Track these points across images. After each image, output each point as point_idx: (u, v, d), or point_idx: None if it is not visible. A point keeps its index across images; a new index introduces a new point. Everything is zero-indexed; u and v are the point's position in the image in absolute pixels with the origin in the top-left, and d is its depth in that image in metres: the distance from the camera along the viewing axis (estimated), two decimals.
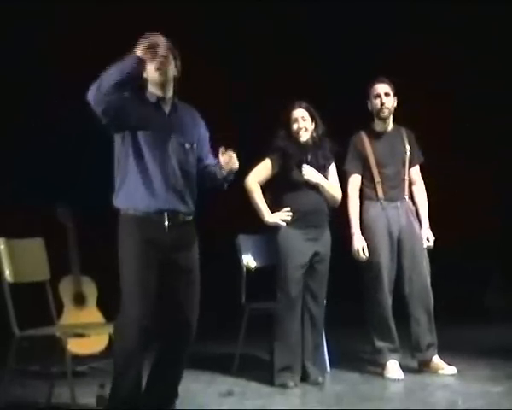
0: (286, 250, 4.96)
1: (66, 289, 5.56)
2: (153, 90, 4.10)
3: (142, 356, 3.88)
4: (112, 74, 3.88)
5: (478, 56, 7.45)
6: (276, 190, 5.08)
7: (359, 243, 5.06)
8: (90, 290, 5.66)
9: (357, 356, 5.67)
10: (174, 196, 4.02)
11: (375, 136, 5.24)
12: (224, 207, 6.85)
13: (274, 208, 5.04)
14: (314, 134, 5.10)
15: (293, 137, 5.08)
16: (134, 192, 3.96)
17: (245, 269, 5.32)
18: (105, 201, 4.02)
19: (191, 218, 4.12)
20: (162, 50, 4.03)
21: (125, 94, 3.97)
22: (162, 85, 4.10)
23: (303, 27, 7.59)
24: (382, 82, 5.23)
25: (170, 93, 4.14)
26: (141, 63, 3.95)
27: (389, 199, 5.16)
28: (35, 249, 4.51)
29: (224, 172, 4.13)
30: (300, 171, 5.01)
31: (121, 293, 3.83)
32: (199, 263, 4.08)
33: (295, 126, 5.08)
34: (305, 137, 5.06)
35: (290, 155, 5.03)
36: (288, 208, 4.99)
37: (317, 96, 5.12)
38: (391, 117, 5.25)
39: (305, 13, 7.52)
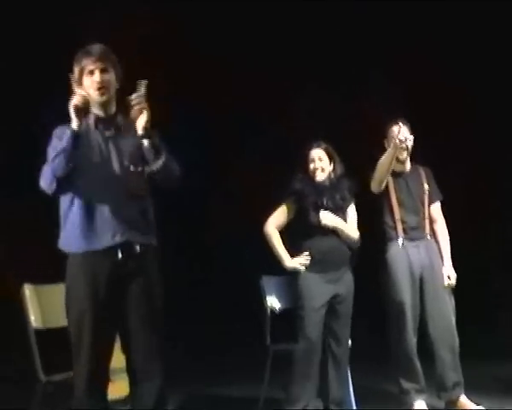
0: (304, 293, 4.92)
1: None
2: (93, 108, 3.74)
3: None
4: (58, 162, 3.63)
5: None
6: (294, 234, 5.05)
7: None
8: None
9: (384, 394, 5.55)
10: (126, 227, 3.62)
11: (394, 176, 5.20)
12: (247, 248, 6.72)
13: (293, 253, 5.00)
14: (332, 175, 5.03)
15: (309, 178, 5.02)
16: (77, 231, 3.62)
17: (269, 310, 5.21)
18: None
19: (151, 246, 3.72)
20: (101, 74, 3.70)
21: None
22: (103, 105, 3.76)
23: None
24: (400, 122, 5.10)
25: (112, 110, 3.81)
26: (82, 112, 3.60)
27: (410, 238, 5.13)
28: (60, 295, 4.41)
29: (146, 145, 3.65)
30: (317, 214, 4.94)
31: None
32: (162, 300, 3.70)
33: (311, 167, 5.02)
34: (321, 177, 5.00)
35: (306, 198, 4.97)
36: (307, 252, 4.94)
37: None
38: (408, 157, 5.23)
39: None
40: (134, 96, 3.68)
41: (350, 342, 5.04)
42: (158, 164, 3.65)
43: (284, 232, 5.08)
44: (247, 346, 6.11)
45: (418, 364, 5.04)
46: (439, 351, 5.04)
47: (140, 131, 3.64)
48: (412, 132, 5.15)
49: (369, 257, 5.03)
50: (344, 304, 4.95)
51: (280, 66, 7.30)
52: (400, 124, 5.07)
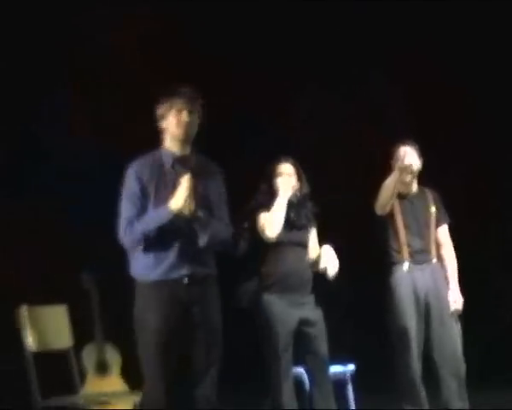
0: (265, 321, 4.56)
1: (89, 356, 5.40)
2: (170, 145, 3.98)
3: None
4: (145, 228, 3.85)
5: None
6: (253, 251, 4.71)
7: None
8: (114, 358, 5.52)
9: None
10: (192, 261, 3.88)
11: (399, 198, 5.06)
12: None
13: (251, 272, 4.70)
14: (298, 193, 4.77)
15: (274, 192, 4.73)
16: (151, 261, 3.89)
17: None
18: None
19: (212, 276, 3.97)
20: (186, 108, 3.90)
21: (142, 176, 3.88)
22: (182, 142, 3.98)
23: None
24: (407, 144, 5.00)
25: (188, 150, 4.00)
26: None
27: (415, 262, 5.02)
28: (58, 317, 4.57)
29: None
30: (283, 231, 4.62)
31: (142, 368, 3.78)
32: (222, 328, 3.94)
33: (278, 181, 4.74)
34: (289, 194, 4.73)
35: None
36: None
37: None
38: (415, 179, 5.10)
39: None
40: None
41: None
42: (203, 241, 3.90)
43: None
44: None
45: (422, 389, 4.95)
46: (445, 378, 4.94)
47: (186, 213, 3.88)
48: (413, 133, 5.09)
49: (372, 281, 5.05)
50: (315, 328, 4.63)
51: (280, 66, 7.29)
52: (406, 148, 4.96)
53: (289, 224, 4.68)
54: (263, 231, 4.61)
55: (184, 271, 3.86)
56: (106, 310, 5.52)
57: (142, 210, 3.89)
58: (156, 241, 3.87)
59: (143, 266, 3.89)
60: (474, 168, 7.60)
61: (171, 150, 3.97)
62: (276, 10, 7.21)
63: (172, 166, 3.94)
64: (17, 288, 6.02)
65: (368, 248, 5.32)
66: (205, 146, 3.97)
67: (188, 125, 3.95)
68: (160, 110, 3.99)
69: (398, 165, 4.90)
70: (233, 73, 7.20)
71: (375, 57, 7.20)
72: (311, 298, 4.67)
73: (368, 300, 5.01)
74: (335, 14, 7.26)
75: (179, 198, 3.83)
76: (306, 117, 7.33)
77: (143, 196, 3.91)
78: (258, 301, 4.60)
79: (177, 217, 3.84)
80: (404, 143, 5.03)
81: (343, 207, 6.90)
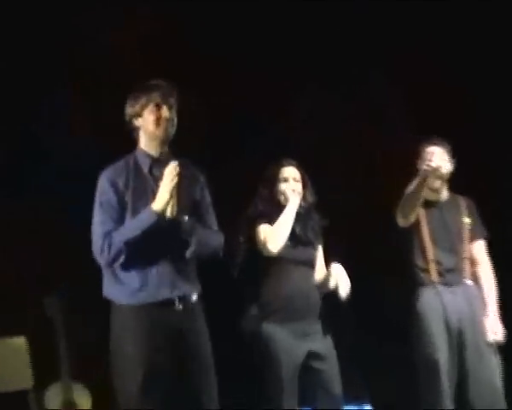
0: (266, 355, 3.93)
1: (53, 398, 4.62)
2: (146, 146, 3.57)
3: None
4: (125, 238, 3.42)
5: None
6: (248, 270, 4.14)
7: None
8: (83, 400, 4.77)
9: None
10: (181, 278, 3.48)
11: (427, 206, 4.47)
12: None
13: (246, 294, 4.13)
14: (303, 202, 4.17)
15: (276, 200, 4.17)
16: (134, 283, 3.44)
17: None
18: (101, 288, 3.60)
19: (200, 298, 3.59)
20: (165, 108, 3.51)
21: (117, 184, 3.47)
22: (161, 142, 3.58)
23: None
24: (436, 144, 4.52)
25: (165, 150, 3.60)
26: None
27: (445, 283, 4.38)
28: (16, 351, 4.01)
29: None
30: (286, 247, 3.99)
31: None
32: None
33: (282, 187, 4.18)
34: None
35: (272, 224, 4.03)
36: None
37: None
38: (445, 184, 4.58)
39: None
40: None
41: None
42: (190, 251, 3.50)
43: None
44: None
45: None
46: None
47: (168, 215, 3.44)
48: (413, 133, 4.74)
49: (395, 305, 4.50)
50: (326, 362, 4.00)
51: (280, 66, 7.27)
52: (434, 148, 4.46)
53: (294, 239, 4.09)
54: (264, 244, 3.99)
55: (174, 291, 3.45)
56: (76, 341, 4.80)
57: (119, 222, 3.45)
58: (137, 255, 3.41)
59: (122, 286, 3.45)
60: (474, 168, 7.59)
61: (147, 152, 3.57)
62: (276, 10, 7.20)
63: (150, 171, 3.56)
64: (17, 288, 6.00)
65: (368, 249, 5.22)
66: (205, 146, 3.97)
67: (168, 123, 3.56)
68: (134, 107, 3.59)
69: (423, 167, 4.35)
70: (233, 73, 7.20)
71: (375, 57, 7.19)
72: (319, 326, 4.04)
73: (387, 328, 4.49)
74: (335, 14, 7.25)
75: (162, 196, 3.39)
76: (306, 117, 7.31)
77: (120, 206, 3.49)
78: (256, 332, 3.96)
79: (161, 223, 3.38)
80: (431, 142, 4.54)
81: (343, 207, 6.89)
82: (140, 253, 3.42)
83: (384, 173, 5.05)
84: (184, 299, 3.47)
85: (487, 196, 7.95)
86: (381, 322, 4.54)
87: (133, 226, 3.43)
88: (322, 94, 7.24)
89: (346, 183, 7.18)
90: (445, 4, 7.12)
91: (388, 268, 5.12)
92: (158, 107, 3.57)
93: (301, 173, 4.29)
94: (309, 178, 4.29)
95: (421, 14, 7.28)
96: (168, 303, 3.42)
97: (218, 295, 4.44)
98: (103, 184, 3.55)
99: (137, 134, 3.63)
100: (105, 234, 3.46)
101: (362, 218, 5.48)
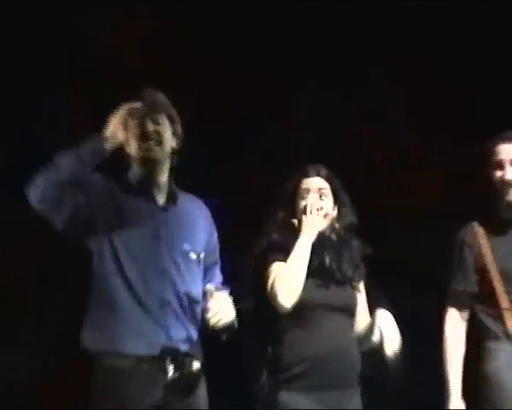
0: None
1: None
2: (137, 169, 2.98)
3: None
4: (64, 164, 2.91)
5: None
6: (263, 322, 3.12)
7: None
8: None
9: None
10: (176, 332, 2.81)
11: (500, 230, 3.33)
12: None
13: (257, 357, 3.12)
14: (336, 223, 3.26)
15: (295, 225, 3.13)
16: (118, 328, 2.78)
17: None
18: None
19: (200, 362, 2.89)
20: (149, 122, 2.88)
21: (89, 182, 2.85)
22: (148, 165, 2.94)
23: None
24: (509, 141, 3.47)
25: (164, 176, 3.01)
26: (111, 144, 2.84)
27: None
28: None
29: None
30: (313, 288, 3.00)
31: None
32: None
33: (303, 204, 3.21)
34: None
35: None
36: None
37: None
38: None
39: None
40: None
41: None
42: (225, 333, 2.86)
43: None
44: None
45: None
46: None
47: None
48: (412, 133, 4.21)
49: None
50: None
51: (280, 66, 7.27)
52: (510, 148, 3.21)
53: (324, 276, 3.10)
54: (274, 297, 3.00)
55: (168, 344, 2.77)
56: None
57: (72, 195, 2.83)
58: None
59: (103, 332, 2.80)
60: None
61: (136, 172, 2.98)
62: (276, 10, 7.21)
63: (144, 187, 2.95)
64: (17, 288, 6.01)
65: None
66: (205, 146, 3.92)
67: (154, 139, 2.92)
68: (115, 122, 2.95)
69: (496, 178, 3.31)
70: (233, 73, 7.20)
71: (375, 57, 7.19)
72: (357, 396, 3.06)
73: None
74: (335, 14, 7.25)
75: (115, 123, 2.85)
76: (306, 117, 7.32)
77: (87, 195, 2.88)
78: (273, 404, 3.00)
79: (100, 152, 2.74)
80: (505, 138, 3.46)
81: None
82: (129, 286, 2.80)
83: (384, 173, 5.04)
84: (177, 359, 2.81)
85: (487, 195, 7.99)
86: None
87: (75, 154, 2.86)
88: (323, 94, 7.25)
89: (346, 183, 7.19)
90: (445, 4, 7.13)
91: (388, 268, 5.12)
92: (140, 122, 2.96)
93: (332, 185, 3.42)
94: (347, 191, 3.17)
95: (421, 14, 7.29)
96: (160, 359, 2.78)
97: (223, 355, 3.69)
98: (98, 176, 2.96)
99: (128, 164, 2.99)
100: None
101: (362, 218, 5.47)
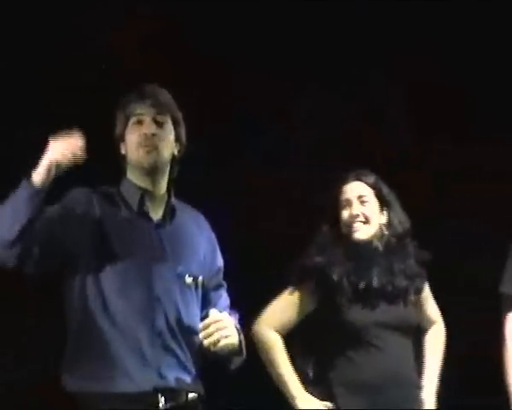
0: None
1: None
2: (133, 178, 2.66)
3: None
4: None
5: None
6: (309, 346, 2.87)
7: None
8: None
9: None
10: (169, 365, 2.56)
11: None
12: None
13: (307, 381, 2.86)
14: (386, 231, 2.99)
15: (343, 236, 2.94)
16: (105, 363, 2.51)
17: None
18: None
19: (197, 394, 2.66)
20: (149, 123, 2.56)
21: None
22: (150, 173, 2.65)
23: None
24: None
25: (162, 187, 2.72)
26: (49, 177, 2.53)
27: None
28: None
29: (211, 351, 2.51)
30: (362, 307, 2.74)
31: None
32: None
33: (345, 215, 2.98)
34: (363, 234, 2.93)
35: (335, 277, 2.78)
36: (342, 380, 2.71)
37: None
38: None
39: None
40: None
41: None
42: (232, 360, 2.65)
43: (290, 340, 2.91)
44: None
45: None
46: None
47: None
48: (412, 133, 4.30)
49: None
50: None
51: (280, 66, 7.28)
52: None
53: (372, 293, 2.82)
54: (255, 321, 2.98)
55: (164, 381, 2.52)
56: None
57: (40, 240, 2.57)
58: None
59: (90, 368, 2.54)
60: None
61: (139, 185, 2.67)
62: (277, 10, 7.21)
63: (140, 209, 2.66)
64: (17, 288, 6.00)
65: None
66: (205, 146, 3.90)
67: (152, 140, 2.62)
68: (116, 129, 2.75)
69: None
70: (233, 73, 7.20)
71: (375, 57, 7.20)
72: None
73: None
74: (335, 14, 7.26)
75: (44, 164, 2.55)
76: (306, 117, 7.33)
77: (64, 229, 2.60)
78: None
79: (34, 196, 2.46)
80: None
81: None
82: (118, 317, 2.53)
83: (384, 173, 5.05)
84: (171, 393, 2.56)
85: None
86: None
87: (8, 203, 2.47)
88: (323, 94, 7.25)
89: None
90: (445, 4, 7.14)
91: None
92: (140, 122, 2.70)
93: (375, 189, 3.13)
94: (394, 192, 3.02)
95: (421, 14, 7.30)
96: (151, 397, 2.53)
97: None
98: (78, 194, 2.71)
99: (125, 168, 2.69)
100: None
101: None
